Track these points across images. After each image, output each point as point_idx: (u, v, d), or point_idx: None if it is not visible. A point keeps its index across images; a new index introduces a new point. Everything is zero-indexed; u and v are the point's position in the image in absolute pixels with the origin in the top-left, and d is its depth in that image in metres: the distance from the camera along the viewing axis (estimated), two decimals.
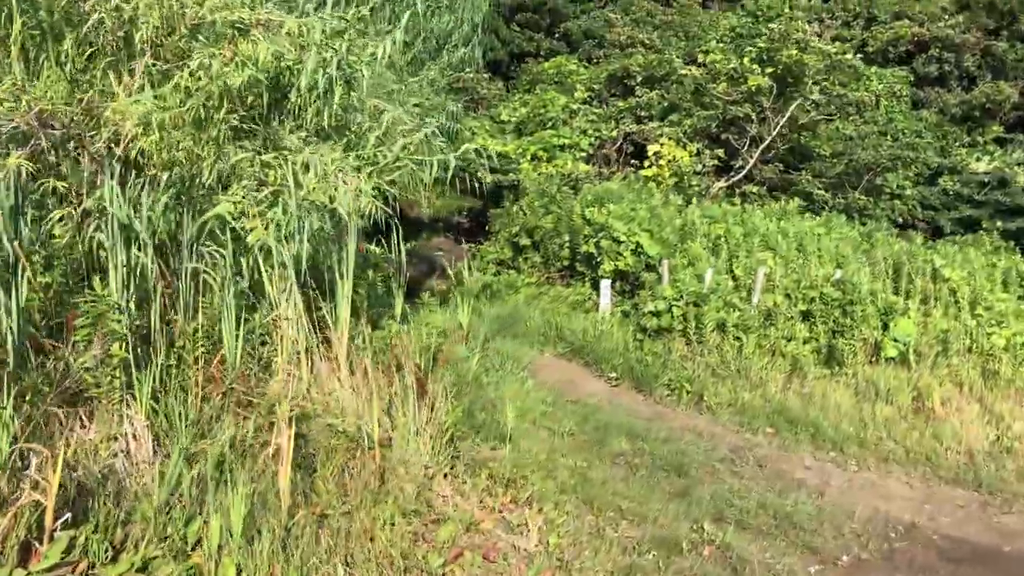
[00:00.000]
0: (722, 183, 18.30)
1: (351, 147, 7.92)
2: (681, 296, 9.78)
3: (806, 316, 10.12)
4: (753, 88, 17.13)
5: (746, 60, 17.35)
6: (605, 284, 11.70)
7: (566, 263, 14.20)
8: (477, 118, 19.84)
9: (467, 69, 21.37)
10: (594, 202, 13.88)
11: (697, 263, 11.17)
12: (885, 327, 9.80)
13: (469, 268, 16.64)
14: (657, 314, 9.93)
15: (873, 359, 9.60)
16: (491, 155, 17.77)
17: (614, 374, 9.67)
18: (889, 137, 22.10)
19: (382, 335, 7.17)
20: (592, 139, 18.61)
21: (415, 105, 16.13)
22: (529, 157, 18.02)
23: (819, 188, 18.95)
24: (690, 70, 18.39)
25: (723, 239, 12.16)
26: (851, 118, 23.69)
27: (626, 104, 19.92)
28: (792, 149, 20.02)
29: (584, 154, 18.25)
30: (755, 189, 17.60)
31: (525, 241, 15.07)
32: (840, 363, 9.43)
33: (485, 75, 22.24)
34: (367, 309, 7.53)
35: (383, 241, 8.10)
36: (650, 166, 17.60)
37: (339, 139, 8.20)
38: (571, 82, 21.37)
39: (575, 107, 19.78)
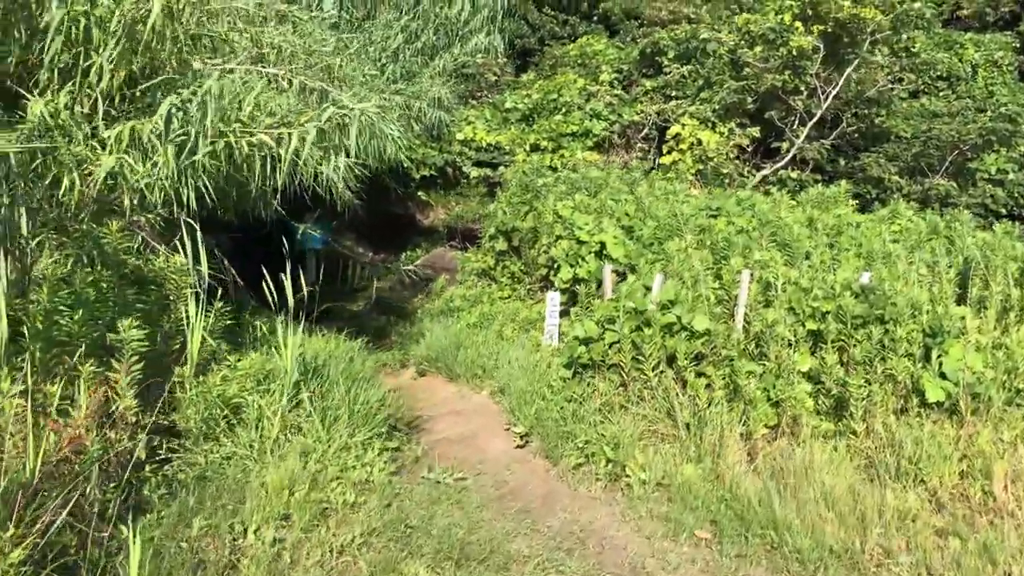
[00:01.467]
0: (767, 170, 14.98)
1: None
2: (618, 316, 6.73)
3: (816, 341, 6.93)
4: (795, 51, 13.77)
5: (786, 17, 13.98)
6: (552, 298, 8.75)
7: (544, 272, 11.31)
8: (477, 106, 17.12)
9: (478, 56, 18.73)
10: (567, 193, 10.96)
11: (669, 268, 8.10)
12: (928, 356, 6.46)
13: (457, 281, 14.08)
14: (586, 341, 6.92)
15: (907, 406, 6.29)
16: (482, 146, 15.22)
17: (521, 429, 6.78)
18: (989, 113, 18.09)
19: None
20: (607, 123, 15.59)
21: (396, 92, 13.79)
22: (528, 147, 15.21)
23: (892, 173, 15.36)
24: (720, 36, 15.11)
25: (719, 235, 9.00)
26: (941, 93, 19.81)
27: (653, 83, 16.80)
28: (862, 131, 16.45)
29: (595, 140, 15.29)
30: (796, 175, 14.15)
31: (502, 246, 12.24)
32: (853, 415, 6.18)
33: (500, 61, 19.45)
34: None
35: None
36: (669, 151, 14.48)
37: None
38: (596, 63, 18.40)
39: (595, 90, 16.82)
